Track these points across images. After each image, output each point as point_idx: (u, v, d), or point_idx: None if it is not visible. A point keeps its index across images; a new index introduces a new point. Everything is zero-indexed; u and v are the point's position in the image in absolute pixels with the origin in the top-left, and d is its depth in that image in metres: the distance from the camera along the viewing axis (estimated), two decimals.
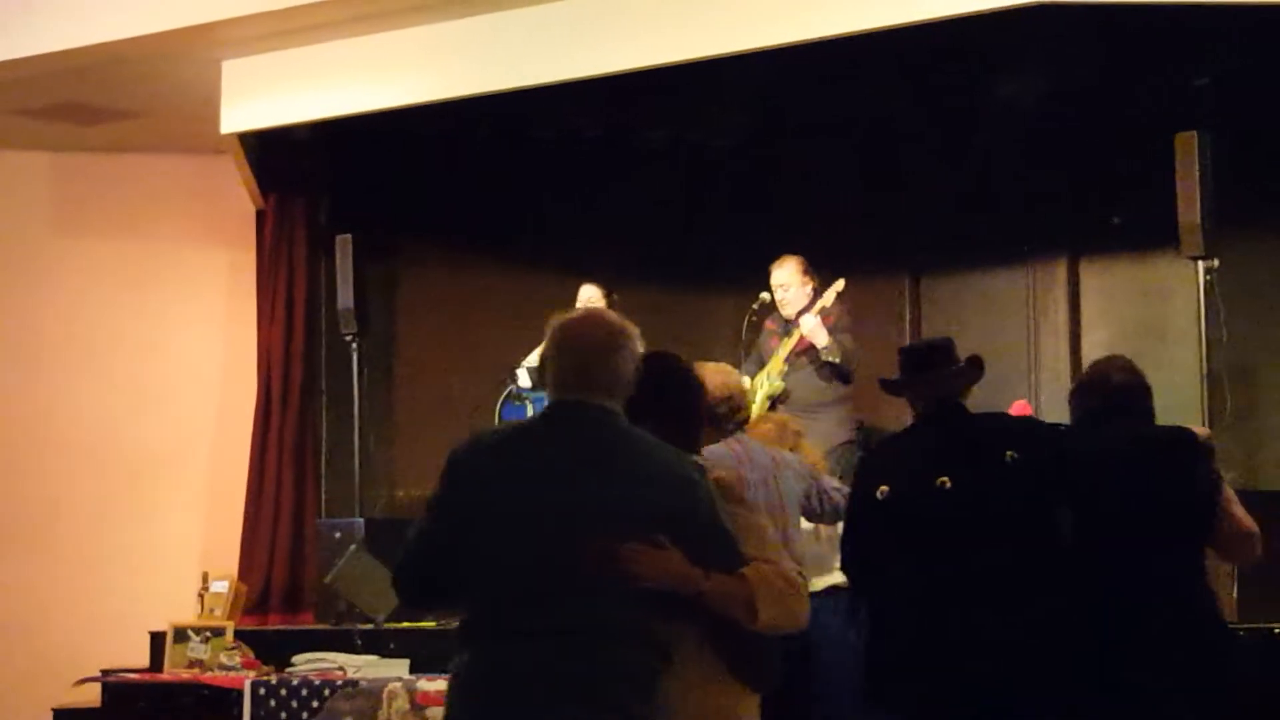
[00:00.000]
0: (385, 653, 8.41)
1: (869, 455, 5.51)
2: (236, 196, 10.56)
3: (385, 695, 7.67)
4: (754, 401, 8.84)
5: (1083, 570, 5.04)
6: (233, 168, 10.31)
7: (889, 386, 5.46)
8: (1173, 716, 5.03)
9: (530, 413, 9.22)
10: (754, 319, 9.01)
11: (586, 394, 3.75)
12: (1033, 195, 9.65)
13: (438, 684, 7.72)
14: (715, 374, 5.50)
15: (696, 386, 4.24)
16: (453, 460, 3.84)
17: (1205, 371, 7.93)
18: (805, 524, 6.35)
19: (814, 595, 4.44)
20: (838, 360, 8.59)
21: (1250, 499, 7.48)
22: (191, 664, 8.75)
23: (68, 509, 10.63)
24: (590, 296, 9.26)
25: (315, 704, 7.96)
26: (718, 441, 5.58)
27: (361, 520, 9.40)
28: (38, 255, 10.92)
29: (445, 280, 10.65)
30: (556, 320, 3.87)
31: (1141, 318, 9.61)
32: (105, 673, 8.86)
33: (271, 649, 8.73)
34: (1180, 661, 5.05)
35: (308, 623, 9.66)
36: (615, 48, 8.65)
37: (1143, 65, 8.93)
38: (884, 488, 5.04)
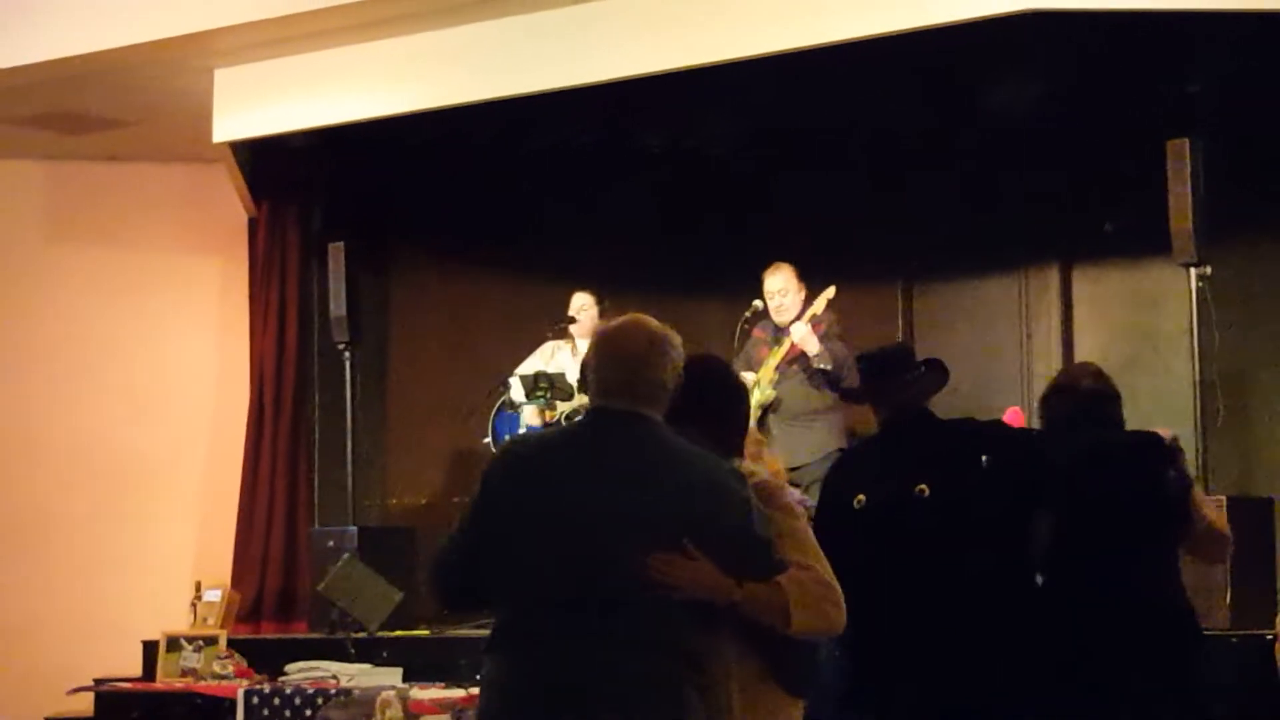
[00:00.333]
0: (378, 661, 8.41)
1: (838, 465, 5.45)
2: (229, 205, 10.56)
3: (378, 704, 7.66)
4: None
5: (1057, 575, 5.04)
6: (225, 176, 10.31)
7: (849, 395, 5.43)
8: (1149, 718, 5.02)
9: (524, 422, 9.22)
10: (746, 326, 9.01)
11: (627, 402, 3.77)
12: (1025, 201, 9.65)
13: (430, 692, 7.73)
14: None
15: (739, 389, 4.26)
16: (491, 466, 3.86)
17: (1198, 377, 7.93)
18: None
19: None
20: (829, 369, 8.59)
21: (1243, 504, 7.55)
22: (184, 673, 8.75)
23: (60, 517, 10.61)
24: (583, 304, 9.26)
25: (308, 713, 7.96)
26: None
27: (355, 528, 9.40)
28: (30, 263, 10.91)
29: (438, 288, 10.65)
30: (601, 327, 3.91)
31: (1134, 324, 9.62)
32: (98, 682, 8.86)
33: (265, 658, 8.73)
34: (1155, 664, 5.05)
35: (301, 631, 9.65)
36: (608, 55, 8.66)
37: (1135, 72, 8.93)
38: (860, 497, 5.02)
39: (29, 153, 10.83)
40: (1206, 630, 7.12)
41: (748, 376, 8.85)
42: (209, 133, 9.66)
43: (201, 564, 10.25)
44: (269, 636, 9.68)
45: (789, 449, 8.66)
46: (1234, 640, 7.13)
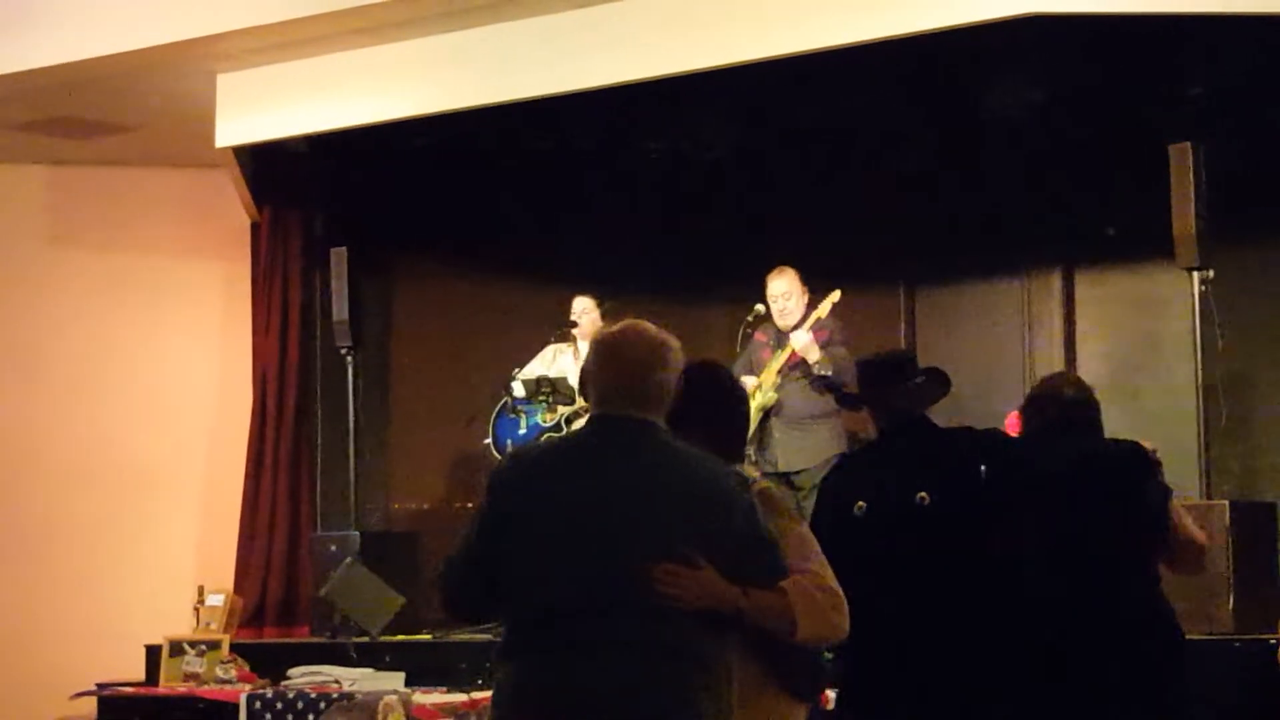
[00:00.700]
0: (381, 665, 8.41)
1: (837, 471, 5.43)
2: (231, 210, 10.56)
3: (381, 708, 7.66)
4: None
5: (1041, 583, 5.05)
6: (228, 181, 10.32)
7: (848, 401, 5.44)
8: None
9: (524, 425, 9.22)
10: (748, 330, 9.01)
11: (629, 408, 3.76)
12: (1028, 205, 9.65)
13: (433, 697, 7.73)
14: None
15: (739, 394, 4.27)
16: (496, 476, 3.88)
17: (1200, 382, 7.92)
18: None
19: None
20: (829, 376, 8.53)
21: (1245, 509, 7.54)
22: (187, 677, 8.75)
23: (62, 522, 10.61)
24: (584, 308, 9.26)
25: (311, 717, 7.96)
26: None
27: (357, 533, 9.39)
28: (33, 268, 10.92)
29: (440, 292, 10.65)
30: (600, 334, 3.90)
31: (1136, 328, 9.62)
32: (101, 686, 8.86)
33: (267, 662, 8.73)
34: (1138, 673, 5.07)
35: (303, 636, 9.65)
36: (609, 60, 8.65)
37: (1137, 76, 8.93)
38: (860, 504, 5.01)
39: (32, 157, 10.84)
40: (1210, 634, 7.19)
41: (750, 380, 8.85)
42: (211, 138, 9.67)
43: (204, 568, 10.24)
44: (271, 641, 9.68)
45: (790, 453, 8.67)
46: (1236, 645, 7.12)
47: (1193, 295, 7.93)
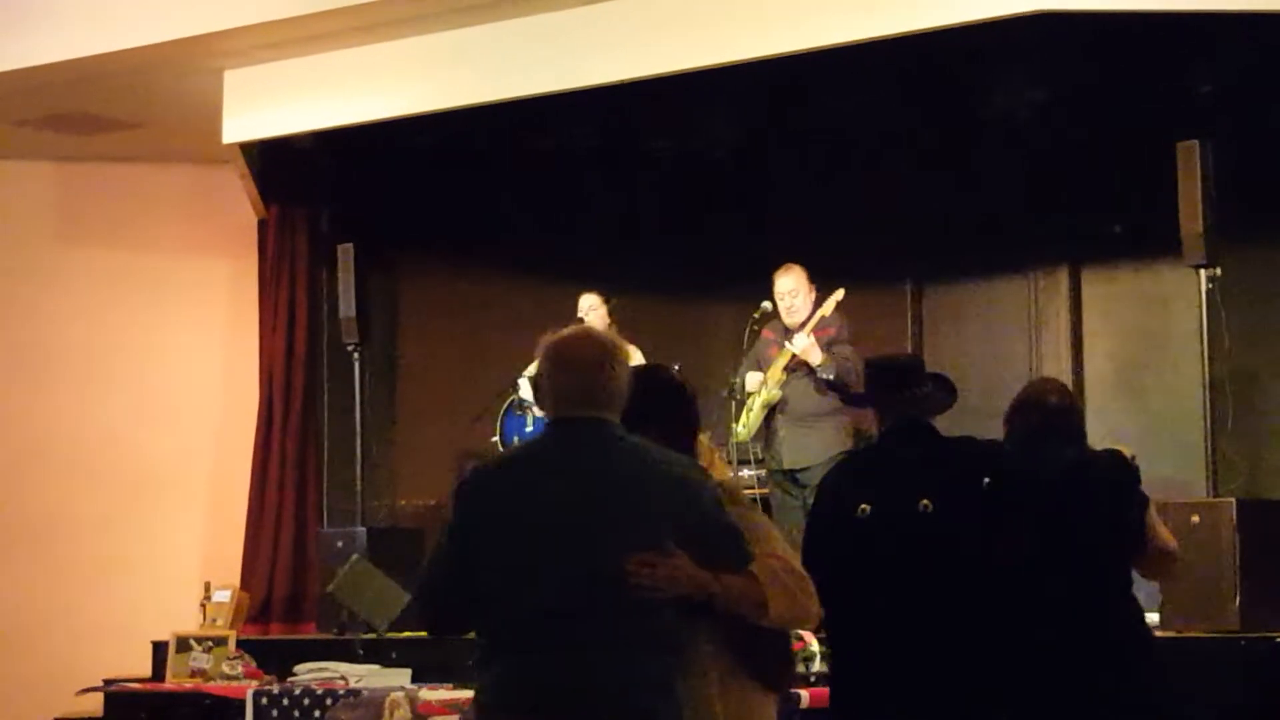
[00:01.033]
0: (387, 662, 8.41)
1: (837, 471, 5.43)
2: (238, 206, 10.57)
3: (387, 705, 7.66)
4: (751, 409, 8.86)
5: (1025, 589, 5.06)
6: (235, 177, 10.32)
7: (854, 400, 5.43)
8: None
9: (532, 422, 9.22)
10: (755, 327, 9.01)
11: (588, 409, 3.81)
12: (1035, 204, 9.64)
13: (439, 693, 7.73)
14: None
15: (689, 397, 4.35)
16: (464, 486, 3.91)
17: (1207, 379, 7.92)
18: None
19: None
20: (832, 378, 8.50)
21: (1252, 506, 7.53)
22: (194, 673, 8.76)
23: (70, 518, 10.63)
24: (591, 304, 9.26)
25: (317, 713, 7.96)
26: None
27: (364, 529, 9.41)
28: (41, 264, 10.93)
29: (446, 289, 10.66)
30: (549, 340, 3.93)
31: (1143, 326, 9.61)
32: (107, 682, 8.86)
33: (273, 658, 8.73)
34: (1115, 678, 5.10)
35: (310, 632, 9.67)
36: (616, 57, 8.66)
37: (1144, 74, 8.92)
38: (864, 506, 5.01)
39: (40, 154, 10.86)
40: (1216, 632, 7.19)
41: (756, 376, 8.85)
42: (219, 134, 9.68)
43: (211, 565, 10.25)
44: (278, 637, 9.69)
45: (796, 450, 8.66)
46: (1242, 643, 7.12)
47: (1200, 293, 7.92)
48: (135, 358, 10.92)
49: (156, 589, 10.27)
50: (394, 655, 8.47)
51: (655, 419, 3.99)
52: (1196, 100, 8.94)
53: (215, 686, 8.51)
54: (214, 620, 9.32)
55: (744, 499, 4.21)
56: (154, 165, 10.92)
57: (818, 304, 8.85)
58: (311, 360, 10.38)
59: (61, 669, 9.41)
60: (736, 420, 8.84)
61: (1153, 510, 5.29)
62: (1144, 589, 7.91)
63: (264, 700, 8.13)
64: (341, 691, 7.99)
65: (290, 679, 8.39)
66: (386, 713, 7.62)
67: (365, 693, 7.90)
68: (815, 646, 6.87)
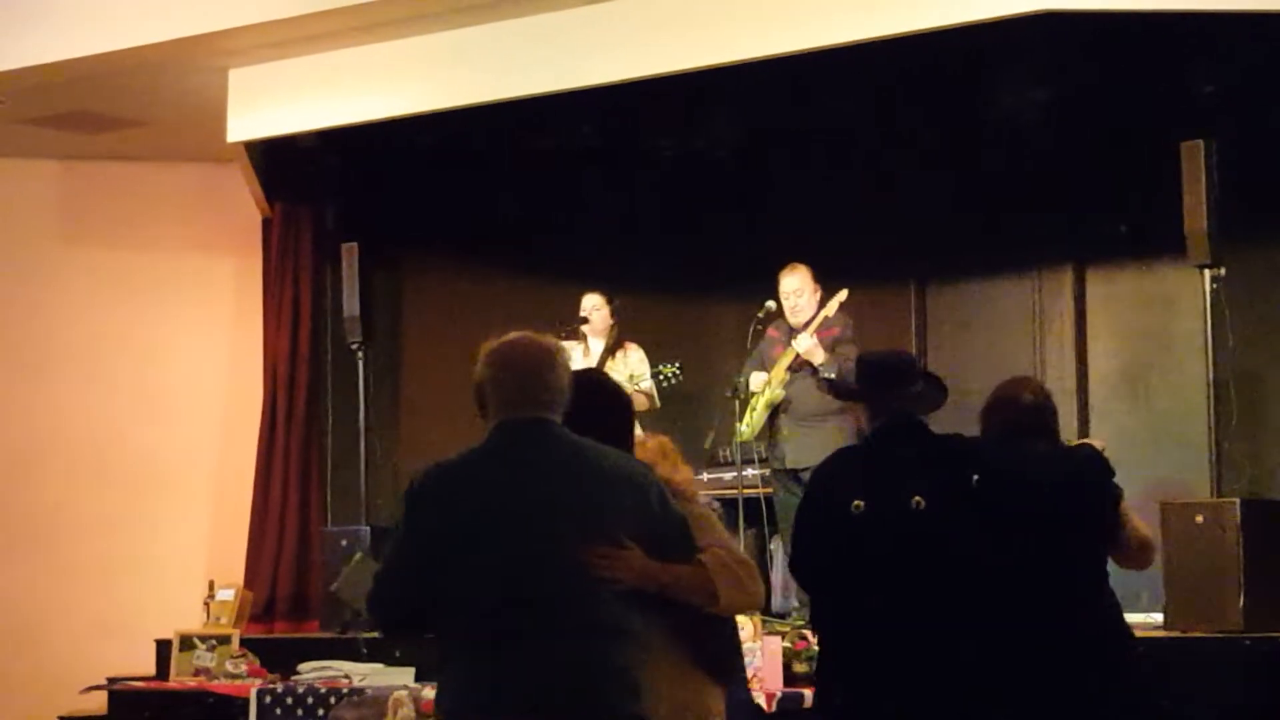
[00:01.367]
0: (390, 660, 8.41)
1: (827, 467, 5.47)
2: (243, 204, 10.57)
3: (390, 703, 7.67)
4: (755, 408, 8.86)
5: (1005, 584, 5.09)
6: (239, 176, 10.33)
7: (844, 393, 5.49)
8: None
9: None
10: (759, 327, 9.00)
11: (533, 410, 3.94)
12: (1039, 203, 9.64)
13: None
14: None
15: (627, 400, 4.49)
16: (415, 489, 3.96)
17: (1212, 379, 7.92)
18: None
19: None
20: (834, 379, 8.49)
21: (1256, 506, 7.53)
22: (197, 672, 8.77)
23: (74, 516, 10.63)
24: (594, 305, 9.25)
25: (321, 712, 7.97)
26: None
27: (367, 528, 9.41)
28: (45, 263, 10.94)
29: (450, 288, 10.66)
30: (492, 345, 4.08)
31: (1148, 326, 9.61)
32: (111, 680, 8.88)
33: (277, 657, 8.74)
34: (1099, 669, 5.15)
35: (313, 630, 9.67)
36: (617, 57, 8.66)
37: (1148, 74, 8.92)
38: (858, 502, 5.04)
39: (44, 152, 10.86)
40: (1220, 632, 7.19)
41: (760, 376, 8.85)
42: (223, 133, 9.68)
43: (214, 563, 10.27)
44: (282, 636, 9.69)
45: (799, 449, 8.65)
46: (1247, 643, 7.12)
47: (1204, 293, 7.92)
48: (139, 356, 10.92)
49: (160, 587, 10.28)
50: (397, 654, 8.46)
51: (592, 423, 4.06)
52: (1200, 100, 8.94)
53: (219, 685, 8.52)
54: (218, 619, 9.34)
55: (686, 493, 4.35)
56: (158, 164, 10.93)
57: (822, 304, 8.85)
58: (315, 359, 10.38)
59: (65, 667, 9.42)
60: (740, 419, 8.85)
61: (1126, 503, 5.38)
62: (1147, 589, 8.00)
63: (268, 699, 8.14)
64: (345, 690, 8.01)
65: (294, 678, 8.40)
66: (390, 711, 7.63)
67: (369, 691, 7.91)
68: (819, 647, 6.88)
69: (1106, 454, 5.42)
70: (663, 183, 10.50)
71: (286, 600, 10.04)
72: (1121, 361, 9.75)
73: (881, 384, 5.22)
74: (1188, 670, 7.10)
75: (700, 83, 8.69)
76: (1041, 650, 5.08)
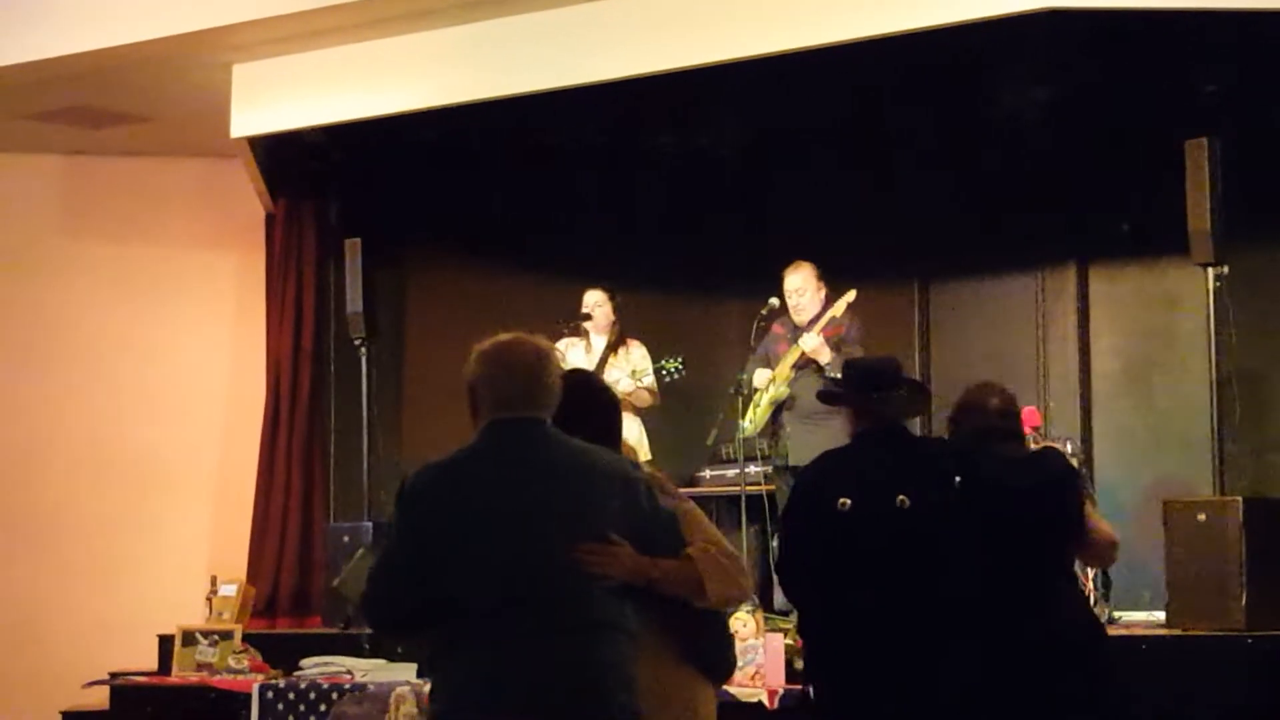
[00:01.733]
0: (393, 656, 8.41)
1: (815, 467, 5.56)
2: (246, 200, 10.58)
3: (393, 699, 7.67)
4: (758, 404, 8.86)
5: (984, 581, 5.15)
6: (242, 171, 10.33)
7: (830, 397, 5.62)
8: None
9: None
10: (762, 324, 9.00)
11: (526, 409, 3.99)
12: (1042, 201, 9.64)
13: None
14: None
15: (615, 401, 4.54)
16: (407, 490, 3.99)
17: (1214, 378, 7.91)
18: None
19: None
20: (839, 377, 8.49)
21: (1259, 505, 7.53)
22: (200, 667, 8.77)
23: (76, 511, 10.64)
24: (596, 300, 9.25)
25: (323, 707, 7.98)
26: None
27: (370, 524, 9.40)
28: (47, 258, 10.94)
29: (453, 284, 10.65)
30: (487, 345, 4.11)
31: (1151, 324, 9.61)
32: (113, 675, 8.88)
33: (280, 652, 8.74)
34: (1071, 668, 5.22)
35: (316, 626, 9.67)
36: (620, 54, 8.66)
37: (1152, 72, 8.91)
38: (845, 500, 5.11)
39: (48, 147, 10.86)
40: (1222, 631, 7.19)
41: (764, 374, 8.85)
42: (227, 128, 9.68)
43: (217, 559, 10.27)
44: (284, 631, 9.69)
45: (802, 447, 8.64)
46: (1249, 641, 7.12)
47: (1207, 291, 7.91)
48: (142, 352, 10.92)
49: (163, 583, 10.28)
50: (400, 650, 8.47)
51: (580, 422, 4.11)
52: (1203, 98, 8.94)
53: (221, 680, 8.52)
54: (220, 614, 9.33)
55: (671, 490, 4.41)
56: (162, 159, 10.92)
57: (828, 301, 8.85)
58: (318, 355, 10.39)
59: (68, 663, 9.42)
60: (742, 416, 8.85)
61: (1089, 503, 5.55)
62: (1150, 588, 8.01)
63: (270, 694, 8.14)
64: (347, 686, 8.01)
65: (296, 673, 8.40)
66: (392, 707, 7.64)
67: (371, 687, 7.91)
68: None
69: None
70: (666, 180, 10.50)
71: (289, 596, 10.05)
72: (1124, 360, 9.75)
73: (865, 388, 5.33)
74: (1190, 669, 7.11)
75: (703, 80, 8.68)
76: (1019, 643, 5.17)
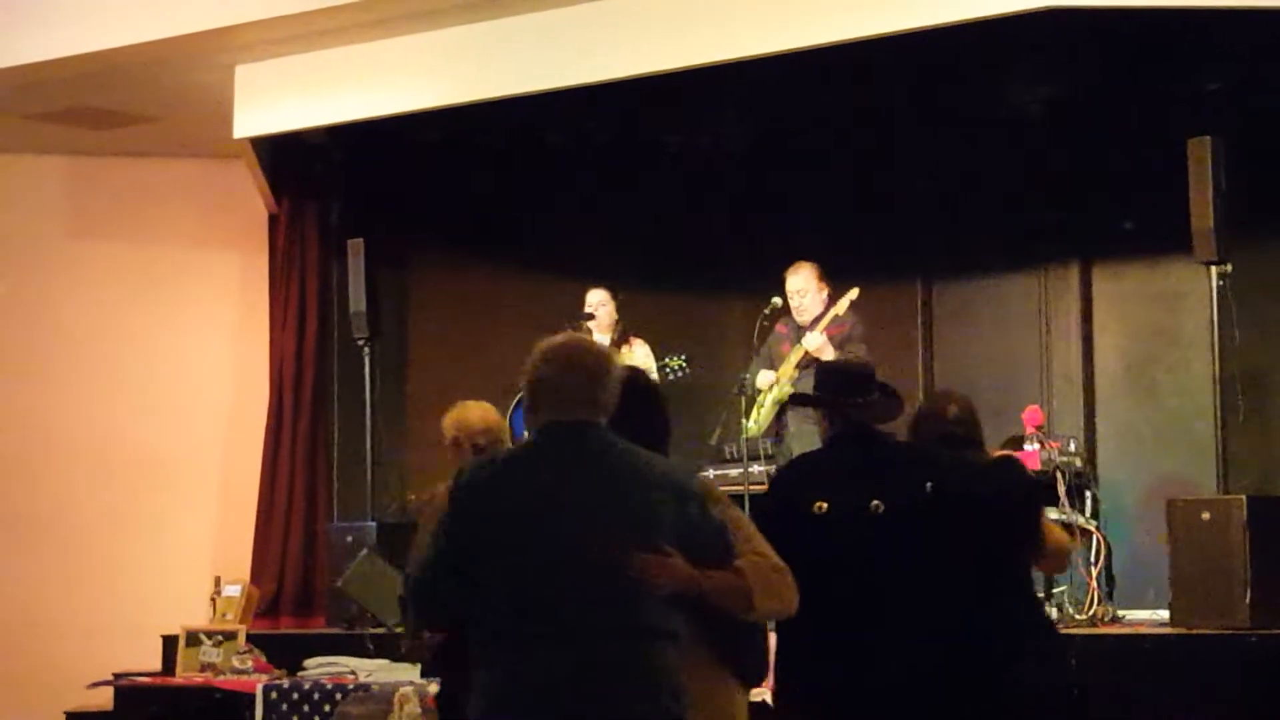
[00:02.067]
0: (397, 657, 8.39)
1: (789, 470, 5.64)
2: (249, 200, 10.58)
3: (397, 699, 7.67)
4: (762, 404, 8.86)
5: (951, 585, 5.17)
6: (245, 172, 10.33)
7: (805, 401, 5.66)
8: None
9: None
10: (765, 324, 9.01)
11: (584, 412, 3.97)
12: (1045, 199, 9.64)
13: None
14: (476, 409, 6.00)
15: (660, 399, 4.53)
16: (464, 483, 3.99)
17: (1218, 375, 7.90)
18: None
19: None
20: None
21: (1263, 503, 7.52)
22: (203, 667, 8.76)
23: (80, 512, 10.65)
24: (600, 299, 9.26)
25: (327, 708, 7.98)
26: None
27: (373, 524, 9.40)
28: (51, 259, 10.95)
29: (456, 284, 10.66)
30: (553, 343, 4.07)
31: (1154, 322, 9.60)
32: (117, 676, 8.88)
33: (283, 653, 8.74)
34: (1028, 672, 5.24)
35: (319, 626, 9.67)
36: (625, 52, 8.66)
37: (1155, 70, 8.91)
38: (821, 504, 5.13)
39: (51, 148, 10.87)
40: (1226, 629, 7.18)
41: (768, 374, 8.85)
42: (229, 129, 9.69)
43: (221, 559, 10.27)
44: (288, 632, 9.70)
45: (805, 446, 8.63)
46: (1252, 640, 7.11)
47: (1210, 289, 7.90)
48: (145, 352, 10.93)
49: (166, 583, 10.29)
50: (402, 651, 8.46)
51: (633, 424, 4.10)
52: (1206, 97, 8.94)
53: (225, 681, 8.52)
54: (224, 615, 9.33)
55: (722, 496, 4.37)
56: (165, 160, 10.93)
57: (831, 301, 8.85)
58: (322, 355, 10.39)
59: (71, 663, 9.42)
60: (746, 416, 8.85)
61: (1044, 511, 5.58)
62: (1153, 586, 8.00)
63: (274, 695, 8.14)
64: (351, 686, 8.01)
65: (300, 673, 8.41)
66: (396, 707, 7.63)
67: (375, 687, 7.91)
68: None
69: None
70: (668, 179, 10.50)
71: (292, 596, 10.06)
72: (1128, 358, 9.74)
73: (838, 392, 5.36)
74: (1193, 667, 7.10)
75: (705, 80, 8.68)
76: (980, 643, 5.17)
